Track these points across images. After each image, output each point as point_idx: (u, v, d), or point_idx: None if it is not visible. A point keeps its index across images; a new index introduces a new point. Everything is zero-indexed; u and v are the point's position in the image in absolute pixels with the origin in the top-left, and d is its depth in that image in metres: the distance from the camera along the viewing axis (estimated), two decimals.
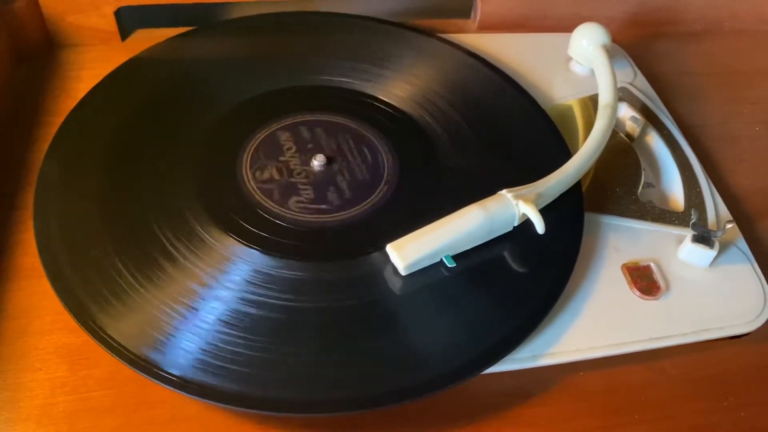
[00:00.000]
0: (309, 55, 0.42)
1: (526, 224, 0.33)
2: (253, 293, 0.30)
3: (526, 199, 0.32)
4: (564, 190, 0.35)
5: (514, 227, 0.33)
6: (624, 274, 0.34)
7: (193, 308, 0.30)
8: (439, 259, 0.32)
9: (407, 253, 0.31)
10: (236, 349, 0.29)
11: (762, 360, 0.33)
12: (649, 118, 0.42)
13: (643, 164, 0.39)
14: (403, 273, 0.31)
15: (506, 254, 0.33)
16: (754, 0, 0.53)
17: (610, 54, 0.42)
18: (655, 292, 0.33)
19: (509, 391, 0.31)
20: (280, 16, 0.45)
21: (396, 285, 0.31)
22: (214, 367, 0.28)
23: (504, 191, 0.33)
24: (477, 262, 0.32)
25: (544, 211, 0.33)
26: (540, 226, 0.32)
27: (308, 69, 0.41)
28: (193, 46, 0.42)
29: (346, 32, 0.44)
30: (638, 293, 0.33)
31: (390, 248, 0.31)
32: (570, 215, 0.35)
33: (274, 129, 0.38)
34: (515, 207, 0.32)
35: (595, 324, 0.32)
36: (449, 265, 0.32)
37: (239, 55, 0.42)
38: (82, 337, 0.29)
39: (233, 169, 0.35)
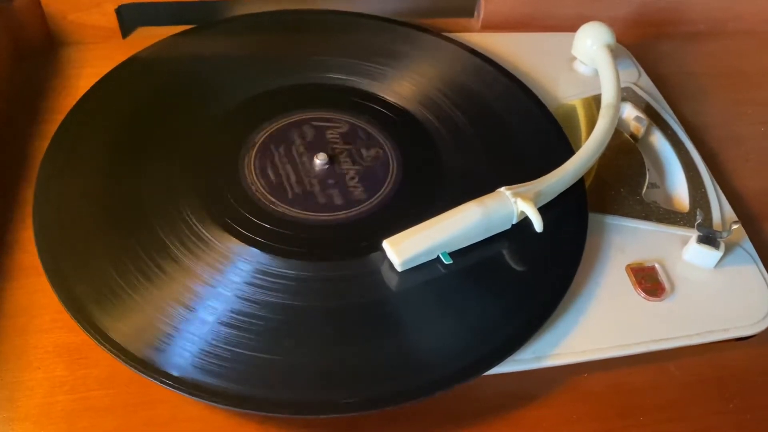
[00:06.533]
0: (312, 53, 0.42)
1: (530, 223, 0.32)
2: (253, 293, 0.30)
3: (524, 197, 0.32)
4: (564, 189, 0.35)
5: (516, 226, 0.33)
6: (628, 274, 0.34)
7: (193, 308, 0.29)
8: (436, 256, 0.32)
9: (403, 249, 0.31)
10: (236, 349, 0.28)
11: None
12: (654, 118, 0.42)
13: (647, 164, 0.39)
14: (399, 269, 0.31)
15: (510, 253, 0.33)
16: (757, 0, 0.53)
17: (615, 54, 0.42)
18: (660, 294, 0.33)
19: (512, 393, 0.31)
20: (282, 15, 0.44)
21: (394, 282, 0.31)
22: (214, 367, 0.28)
23: (502, 189, 0.33)
24: (480, 261, 0.32)
25: (547, 211, 0.32)
26: (538, 225, 0.32)
27: (311, 67, 0.41)
28: (194, 44, 0.42)
29: (349, 30, 0.44)
30: (643, 294, 0.33)
31: (386, 244, 0.31)
32: (574, 215, 0.35)
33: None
34: (513, 205, 0.32)
35: (599, 325, 0.32)
36: (446, 262, 0.31)
37: (241, 54, 0.42)
38: (81, 337, 0.29)
39: (234, 167, 0.35)
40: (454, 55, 0.43)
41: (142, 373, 0.27)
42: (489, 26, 0.49)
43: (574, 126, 0.41)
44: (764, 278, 0.34)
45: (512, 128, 0.39)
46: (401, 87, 0.40)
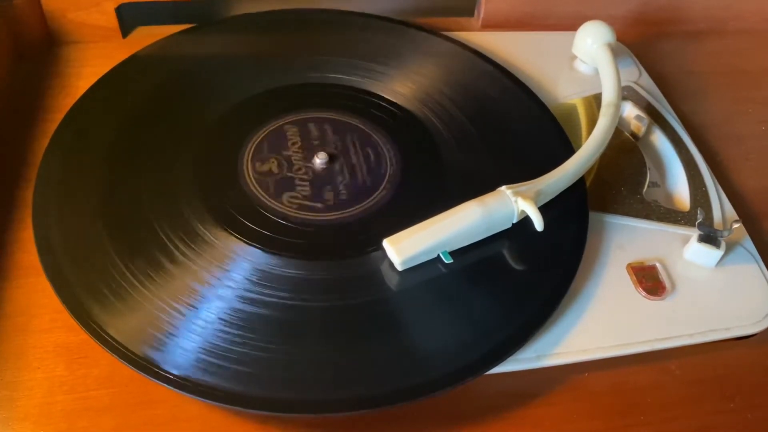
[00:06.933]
0: (311, 52, 0.42)
1: (531, 222, 0.32)
2: (253, 292, 0.30)
3: (525, 196, 0.32)
4: (564, 187, 0.34)
5: (517, 225, 0.33)
6: (629, 273, 0.34)
7: (194, 307, 0.29)
8: (436, 255, 0.31)
9: (403, 247, 0.31)
10: (237, 349, 0.28)
11: None
12: (654, 117, 0.42)
13: (648, 163, 0.39)
14: (399, 268, 0.31)
15: (511, 253, 0.33)
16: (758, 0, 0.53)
17: (615, 53, 0.42)
18: (661, 293, 0.33)
19: (513, 392, 0.31)
20: (282, 14, 0.44)
21: (394, 282, 0.31)
22: (214, 366, 0.28)
23: (503, 187, 0.33)
24: (481, 260, 0.32)
25: (547, 210, 0.32)
26: (539, 224, 0.32)
27: (310, 66, 0.41)
28: (194, 43, 0.42)
29: (349, 30, 0.44)
30: (644, 293, 0.33)
31: (386, 243, 0.31)
32: (574, 214, 0.35)
33: (275, 127, 0.37)
34: (514, 204, 0.32)
35: (600, 324, 0.32)
36: (446, 261, 0.31)
37: (241, 53, 0.42)
38: (81, 336, 0.29)
39: (234, 166, 0.35)
40: (454, 55, 0.43)
41: (142, 372, 0.27)
42: (489, 25, 0.49)
43: (574, 125, 0.41)
44: (765, 277, 0.34)
45: (513, 127, 0.39)
46: (401, 86, 0.40)
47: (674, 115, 0.42)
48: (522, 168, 0.36)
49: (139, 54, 0.40)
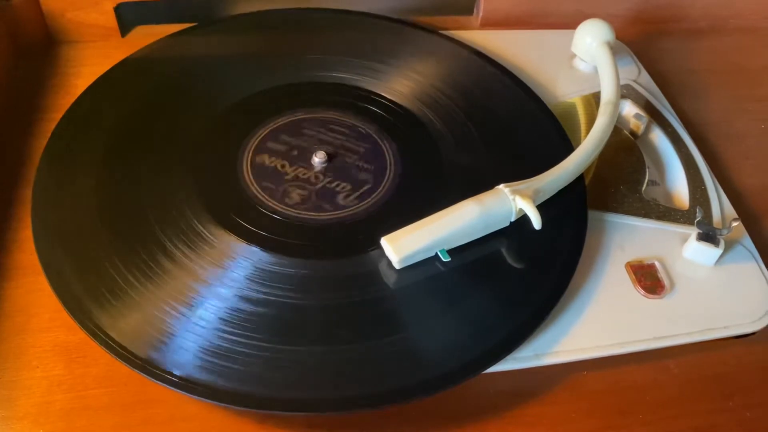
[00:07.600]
0: (310, 51, 0.42)
1: (529, 220, 0.32)
2: (252, 291, 0.30)
3: (523, 195, 0.32)
4: (563, 186, 0.34)
5: (516, 223, 0.33)
6: (628, 272, 0.34)
7: (193, 306, 0.29)
8: (434, 253, 0.31)
9: (401, 246, 0.31)
10: (235, 348, 0.28)
11: None
12: (654, 115, 0.42)
13: (647, 162, 0.39)
14: (397, 266, 0.31)
15: (509, 251, 0.33)
16: None
17: (614, 51, 0.42)
18: (660, 291, 0.33)
19: (511, 391, 0.31)
20: (281, 13, 0.44)
21: (392, 280, 0.31)
22: (213, 365, 0.28)
23: (501, 186, 0.33)
24: (479, 258, 0.32)
25: (546, 208, 0.32)
26: (537, 222, 0.32)
27: (309, 66, 0.41)
28: (193, 42, 0.42)
29: (348, 29, 0.44)
30: (642, 292, 0.33)
31: (384, 241, 0.31)
32: (573, 212, 0.35)
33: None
34: (512, 202, 0.32)
35: (599, 323, 0.32)
36: (444, 260, 0.31)
37: (239, 52, 0.42)
38: (79, 335, 0.29)
39: (233, 166, 0.35)
40: (453, 53, 0.43)
41: (141, 372, 0.27)
42: (488, 24, 0.49)
43: (573, 123, 0.41)
44: (764, 276, 0.34)
45: (511, 126, 0.39)
46: (401, 85, 0.40)
47: (673, 113, 0.42)
48: (521, 166, 0.36)
49: (137, 53, 0.40)
